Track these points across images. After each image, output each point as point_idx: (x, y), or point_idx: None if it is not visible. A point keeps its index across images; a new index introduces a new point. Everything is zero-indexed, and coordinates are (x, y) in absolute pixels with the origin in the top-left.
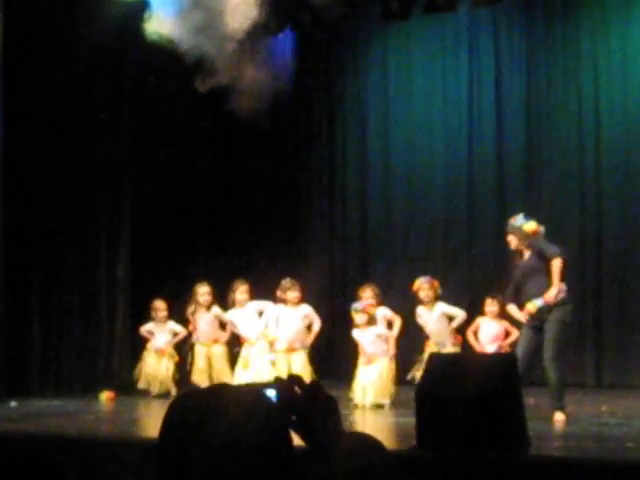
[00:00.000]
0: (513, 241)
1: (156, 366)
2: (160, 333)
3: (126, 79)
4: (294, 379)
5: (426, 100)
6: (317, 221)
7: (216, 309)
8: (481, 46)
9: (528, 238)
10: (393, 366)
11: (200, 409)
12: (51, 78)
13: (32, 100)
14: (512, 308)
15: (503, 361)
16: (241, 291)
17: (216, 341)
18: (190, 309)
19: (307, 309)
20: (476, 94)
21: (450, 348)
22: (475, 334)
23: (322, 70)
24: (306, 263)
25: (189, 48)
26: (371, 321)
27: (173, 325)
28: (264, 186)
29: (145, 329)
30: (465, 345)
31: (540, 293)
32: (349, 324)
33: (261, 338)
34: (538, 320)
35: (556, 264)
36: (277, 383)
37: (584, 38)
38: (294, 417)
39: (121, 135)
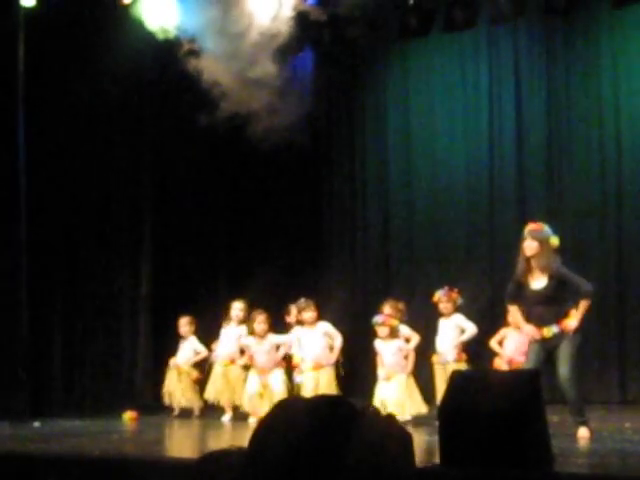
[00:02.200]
0: (533, 248)
1: (176, 383)
2: (181, 349)
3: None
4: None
5: (447, 116)
6: (339, 237)
7: (243, 329)
8: (501, 61)
9: (551, 253)
10: (412, 382)
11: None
12: (73, 101)
13: (53, 123)
14: (514, 310)
15: (526, 378)
16: (259, 321)
17: (232, 361)
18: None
19: (325, 326)
20: (496, 109)
21: (452, 364)
22: (500, 345)
23: (342, 88)
24: (328, 281)
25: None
26: (393, 333)
27: (195, 343)
28: (285, 201)
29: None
30: (471, 363)
31: (555, 319)
32: (371, 341)
33: (277, 366)
34: (551, 344)
35: (586, 304)
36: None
37: (604, 52)
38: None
39: (142, 154)
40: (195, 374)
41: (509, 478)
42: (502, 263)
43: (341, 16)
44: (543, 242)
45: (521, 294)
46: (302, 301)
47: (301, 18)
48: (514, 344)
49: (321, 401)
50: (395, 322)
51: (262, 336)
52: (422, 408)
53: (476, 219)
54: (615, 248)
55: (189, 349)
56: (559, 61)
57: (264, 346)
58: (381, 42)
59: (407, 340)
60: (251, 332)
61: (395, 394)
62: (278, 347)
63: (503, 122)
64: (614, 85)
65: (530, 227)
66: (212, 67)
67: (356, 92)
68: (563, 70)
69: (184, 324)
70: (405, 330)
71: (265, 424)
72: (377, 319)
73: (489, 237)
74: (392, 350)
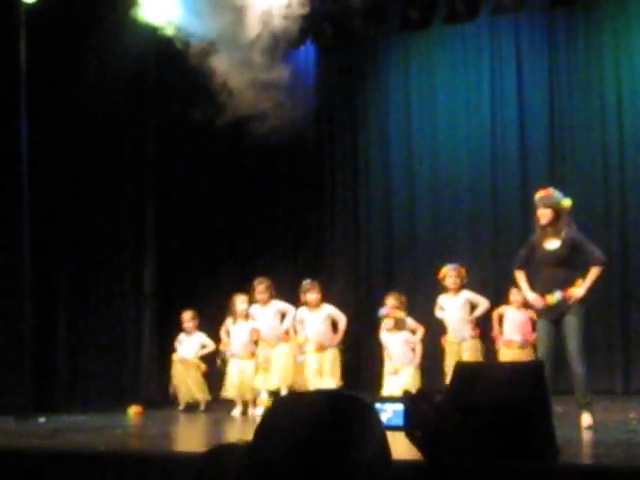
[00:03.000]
0: (547, 215)
1: (181, 377)
2: (187, 343)
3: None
4: (424, 395)
5: (448, 108)
6: (341, 229)
7: (252, 322)
8: (503, 53)
9: (565, 216)
10: (419, 375)
11: None
12: (75, 104)
13: (55, 119)
14: (520, 276)
15: (531, 369)
16: (260, 290)
17: (253, 354)
18: (229, 320)
19: (329, 309)
20: (498, 101)
21: (469, 341)
22: (500, 322)
23: (344, 81)
24: (331, 273)
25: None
26: (398, 325)
27: (201, 337)
28: (287, 195)
29: (177, 340)
30: (485, 337)
31: (562, 285)
32: (375, 333)
33: (281, 340)
34: (555, 313)
35: (596, 272)
36: (406, 397)
37: (606, 43)
38: (420, 434)
39: (145, 149)
40: (204, 367)
41: (514, 471)
42: (505, 252)
43: (342, 9)
44: (555, 207)
45: (532, 259)
46: (307, 282)
47: (302, 10)
48: (512, 324)
49: (322, 396)
50: (401, 314)
51: (265, 303)
52: None
53: (479, 210)
54: (620, 236)
55: (196, 343)
56: (561, 52)
57: (268, 313)
58: (383, 35)
59: (413, 332)
60: (253, 301)
61: (402, 389)
62: (283, 316)
63: (505, 114)
64: (617, 76)
65: (540, 194)
66: (222, 69)
67: (358, 85)
68: (565, 61)
69: (188, 319)
70: (410, 322)
71: (268, 419)
72: (382, 311)
73: (492, 227)
74: (399, 342)
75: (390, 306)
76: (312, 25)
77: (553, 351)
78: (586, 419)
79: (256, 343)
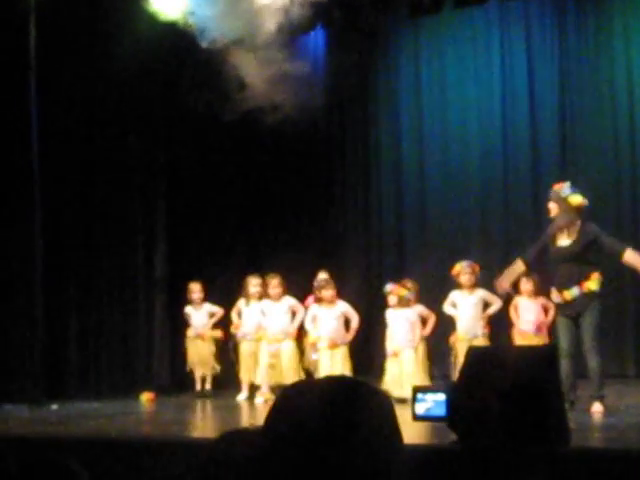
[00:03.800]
0: (553, 209)
1: (199, 350)
2: (197, 316)
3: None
4: (467, 386)
5: (459, 94)
6: (352, 221)
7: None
8: (513, 38)
9: (572, 211)
10: (421, 355)
11: None
12: (86, 93)
13: (66, 109)
14: (516, 264)
15: (543, 353)
16: (273, 285)
17: (259, 338)
18: (240, 302)
19: (344, 306)
20: (509, 86)
21: (481, 339)
22: (515, 311)
23: (354, 66)
24: (342, 265)
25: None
26: (402, 302)
27: (209, 306)
28: (298, 184)
29: (185, 312)
30: (494, 337)
31: (577, 280)
32: (384, 325)
33: (289, 337)
34: (574, 309)
35: (631, 255)
36: (448, 387)
37: (616, 26)
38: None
39: (156, 136)
40: (219, 333)
41: (526, 454)
42: (517, 242)
43: None
44: (560, 202)
45: (543, 255)
46: (322, 278)
47: None
48: (525, 313)
49: (333, 383)
50: (404, 291)
51: (277, 299)
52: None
53: (490, 198)
54: (632, 224)
55: (205, 314)
56: (571, 36)
57: (280, 309)
58: (393, 20)
59: (424, 320)
60: (266, 296)
61: (404, 370)
62: (294, 314)
63: (516, 99)
64: (627, 60)
65: (552, 188)
66: (234, 61)
67: (368, 71)
68: (575, 45)
69: (198, 290)
70: (423, 310)
71: (279, 406)
72: (387, 287)
73: (503, 217)
74: (401, 319)
75: (396, 283)
76: (322, 11)
77: (574, 347)
78: (596, 407)
79: (259, 339)
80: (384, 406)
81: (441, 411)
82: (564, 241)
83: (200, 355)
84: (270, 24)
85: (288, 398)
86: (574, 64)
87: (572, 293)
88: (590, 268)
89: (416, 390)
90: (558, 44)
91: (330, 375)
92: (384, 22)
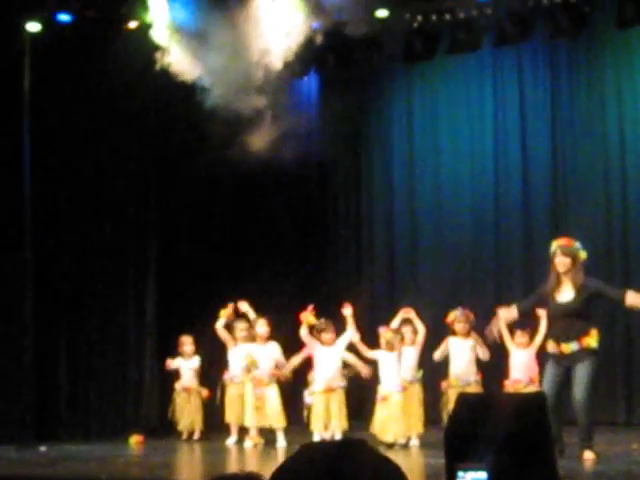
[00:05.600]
0: (566, 264)
1: (185, 405)
2: (186, 369)
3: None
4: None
5: (451, 140)
6: (344, 261)
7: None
8: (505, 84)
9: (581, 267)
10: (416, 400)
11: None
12: (79, 123)
13: (59, 146)
14: (510, 310)
15: (533, 400)
16: (261, 324)
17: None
18: (229, 345)
19: (342, 350)
20: (501, 133)
21: (474, 386)
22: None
23: (347, 111)
24: (334, 305)
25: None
26: (389, 345)
27: (199, 361)
28: (290, 225)
29: (173, 363)
30: (486, 383)
31: (577, 336)
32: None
33: (274, 379)
34: (567, 361)
35: (632, 296)
36: (489, 465)
37: (608, 74)
38: None
39: (146, 173)
40: (205, 392)
41: None
42: (507, 288)
43: (346, 40)
44: (575, 257)
45: (538, 306)
46: (322, 322)
47: (306, 42)
48: (518, 364)
49: (340, 445)
50: (390, 335)
51: (264, 341)
52: (420, 428)
53: (482, 242)
54: (622, 268)
55: (194, 367)
56: (563, 83)
57: (265, 352)
58: (386, 65)
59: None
60: (253, 338)
61: (390, 416)
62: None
63: (508, 146)
64: (619, 106)
65: (560, 242)
66: (225, 102)
67: (361, 115)
68: (567, 92)
69: (189, 342)
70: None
71: (288, 464)
72: (381, 330)
73: (494, 265)
74: (388, 361)
75: (386, 327)
76: (315, 56)
77: (559, 398)
78: (587, 454)
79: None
80: (389, 468)
81: None
82: (564, 296)
83: (188, 410)
84: (271, 70)
85: (296, 457)
86: (566, 112)
87: (571, 347)
88: (589, 324)
89: (456, 467)
90: (550, 91)
91: (339, 439)
92: (377, 67)
